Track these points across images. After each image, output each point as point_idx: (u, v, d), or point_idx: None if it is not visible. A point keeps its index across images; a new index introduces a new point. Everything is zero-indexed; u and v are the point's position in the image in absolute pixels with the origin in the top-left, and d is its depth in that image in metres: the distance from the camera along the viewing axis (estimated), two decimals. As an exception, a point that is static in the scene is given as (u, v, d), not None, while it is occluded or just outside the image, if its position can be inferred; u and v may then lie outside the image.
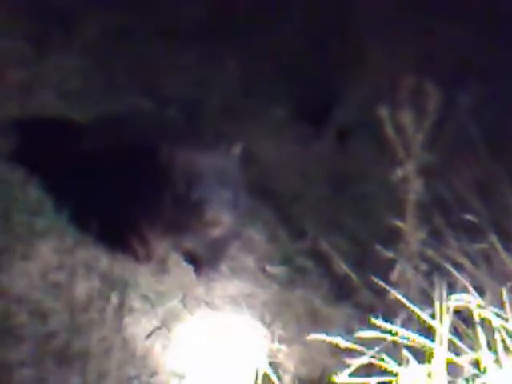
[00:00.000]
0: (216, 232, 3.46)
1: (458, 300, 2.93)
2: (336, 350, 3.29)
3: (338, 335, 3.51)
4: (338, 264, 3.78)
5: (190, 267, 3.69)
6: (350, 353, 3.18)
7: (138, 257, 3.64)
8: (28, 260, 3.52)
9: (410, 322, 3.34)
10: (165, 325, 3.44)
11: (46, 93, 4.45)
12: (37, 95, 4.42)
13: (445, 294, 2.99)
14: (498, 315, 2.94)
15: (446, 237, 3.42)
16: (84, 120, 4.14)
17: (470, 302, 2.95)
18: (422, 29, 4.72)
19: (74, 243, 3.65)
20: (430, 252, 3.48)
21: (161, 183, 3.44)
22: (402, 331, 3.05)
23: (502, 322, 2.91)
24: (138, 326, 3.39)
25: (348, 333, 3.53)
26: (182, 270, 3.68)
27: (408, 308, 3.24)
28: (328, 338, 3.11)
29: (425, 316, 3.10)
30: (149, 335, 3.36)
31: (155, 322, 3.43)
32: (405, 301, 3.24)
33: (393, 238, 3.63)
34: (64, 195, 3.76)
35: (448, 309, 2.94)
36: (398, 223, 3.56)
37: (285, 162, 4.32)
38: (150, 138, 3.61)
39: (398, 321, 3.44)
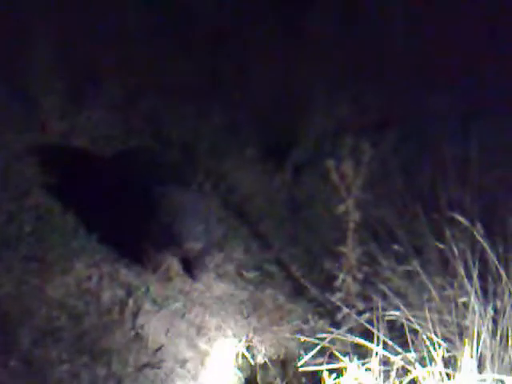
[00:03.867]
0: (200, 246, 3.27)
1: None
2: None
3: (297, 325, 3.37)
4: (296, 270, 3.61)
5: (188, 276, 3.41)
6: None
7: (147, 268, 3.38)
8: (66, 273, 3.26)
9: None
10: (170, 322, 3.19)
11: (81, 138, 4.15)
12: (73, 140, 4.12)
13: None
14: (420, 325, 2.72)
15: (377, 257, 3.21)
16: (109, 156, 3.87)
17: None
18: (355, 91, 4.39)
19: (100, 259, 3.38)
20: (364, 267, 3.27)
21: (157, 212, 3.24)
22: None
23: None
24: (149, 324, 3.14)
25: (304, 322, 3.37)
26: (181, 278, 3.40)
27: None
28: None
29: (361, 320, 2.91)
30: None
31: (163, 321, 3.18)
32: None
33: (335, 251, 3.40)
34: (92, 222, 3.52)
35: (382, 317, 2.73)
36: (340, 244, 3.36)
37: (255, 190, 4.07)
38: (155, 173, 3.44)
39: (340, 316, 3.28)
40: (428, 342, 2.67)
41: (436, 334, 2.68)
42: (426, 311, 2.77)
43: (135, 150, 4.00)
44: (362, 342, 2.80)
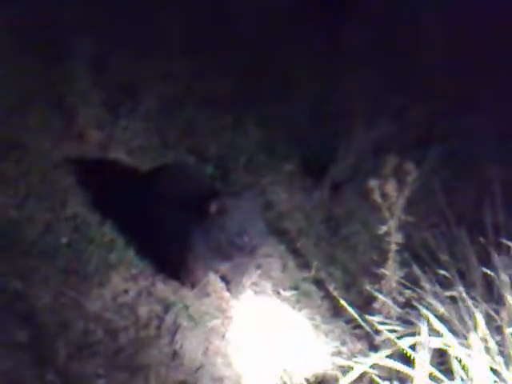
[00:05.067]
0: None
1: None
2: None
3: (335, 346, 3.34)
4: (333, 290, 3.58)
5: (226, 293, 3.39)
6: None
7: (185, 284, 3.36)
8: (103, 286, 3.25)
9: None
10: (206, 339, 3.17)
11: (118, 149, 4.15)
12: (110, 151, 4.13)
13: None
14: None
15: (419, 280, 3.16)
16: (145, 170, 3.85)
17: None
18: (396, 106, 4.36)
19: (137, 273, 3.38)
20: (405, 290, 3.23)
21: (200, 225, 3.20)
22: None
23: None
24: (186, 340, 3.12)
25: (342, 344, 3.34)
26: (218, 295, 3.39)
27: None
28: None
29: (404, 345, 2.86)
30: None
31: (199, 338, 3.16)
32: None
33: (375, 272, 3.36)
34: (129, 235, 3.52)
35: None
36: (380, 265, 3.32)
37: (293, 207, 4.06)
38: (193, 188, 3.39)
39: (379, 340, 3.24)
40: (474, 372, 2.62)
41: (481, 363, 2.63)
42: (471, 339, 2.71)
43: (172, 163, 4.00)
44: (403, 368, 2.76)
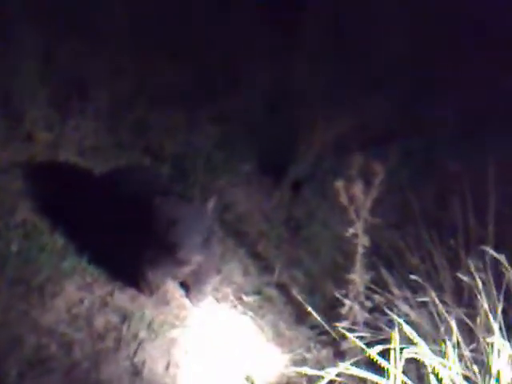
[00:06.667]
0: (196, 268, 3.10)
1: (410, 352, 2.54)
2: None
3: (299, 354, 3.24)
4: (297, 294, 3.44)
5: (186, 300, 3.25)
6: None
7: (143, 292, 3.22)
8: (56, 297, 3.10)
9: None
10: (167, 351, 3.04)
11: (68, 150, 3.97)
12: (61, 152, 3.95)
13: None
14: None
15: (388, 285, 3.07)
16: (99, 171, 3.73)
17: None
18: (352, 102, 4.27)
19: (92, 281, 3.23)
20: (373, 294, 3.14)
21: (152, 227, 3.02)
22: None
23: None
24: (146, 354, 2.98)
25: (306, 351, 3.24)
26: (178, 302, 3.26)
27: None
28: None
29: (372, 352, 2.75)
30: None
31: (160, 350, 3.02)
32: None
33: (340, 275, 3.28)
34: (83, 241, 3.35)
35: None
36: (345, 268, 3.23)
37: (252, 208, 3.94)
38: (147, 190, 3.20)
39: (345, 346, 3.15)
40: (447, 380, 2.54)
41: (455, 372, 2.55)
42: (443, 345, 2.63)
43: (126, 165, 3.84)
44: (373, 377, 2.66)
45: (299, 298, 3.41)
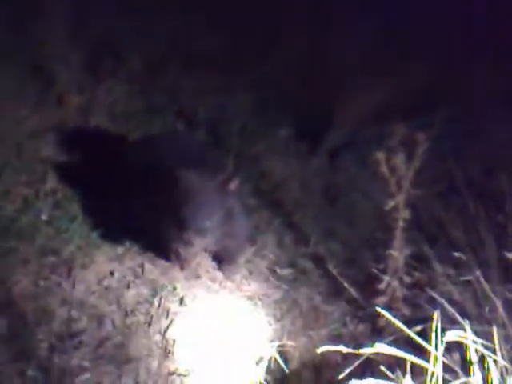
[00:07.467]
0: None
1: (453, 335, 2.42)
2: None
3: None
4: (333, 267, 3.34)
5: (218, 273, 3.16)
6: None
7: (174, 264, 3.14)
8: (86, 268, 3.03)
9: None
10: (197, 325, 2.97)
11: (100, 114, 3.90)
12: (91, 117, 3.87)
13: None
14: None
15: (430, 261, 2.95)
16: (129, 139, 3.64)
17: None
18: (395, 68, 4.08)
19: (123, 253, 3.16)
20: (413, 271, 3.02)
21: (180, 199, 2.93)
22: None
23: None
24: (177, 326, 2.91)
25: (343, 326, 3.14)
26: (211, 276, 3.17)
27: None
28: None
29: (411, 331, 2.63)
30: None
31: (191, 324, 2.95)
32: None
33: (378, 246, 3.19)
34: (113, 210, 3.24)
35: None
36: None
37: (289, 176, 3.81)
38: (178, 159, 3.11)
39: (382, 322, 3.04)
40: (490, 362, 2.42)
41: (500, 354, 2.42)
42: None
43: (159, 130, 3.76)
44: (411, 358, 2.55)
45: (335, 271, 3.31)
